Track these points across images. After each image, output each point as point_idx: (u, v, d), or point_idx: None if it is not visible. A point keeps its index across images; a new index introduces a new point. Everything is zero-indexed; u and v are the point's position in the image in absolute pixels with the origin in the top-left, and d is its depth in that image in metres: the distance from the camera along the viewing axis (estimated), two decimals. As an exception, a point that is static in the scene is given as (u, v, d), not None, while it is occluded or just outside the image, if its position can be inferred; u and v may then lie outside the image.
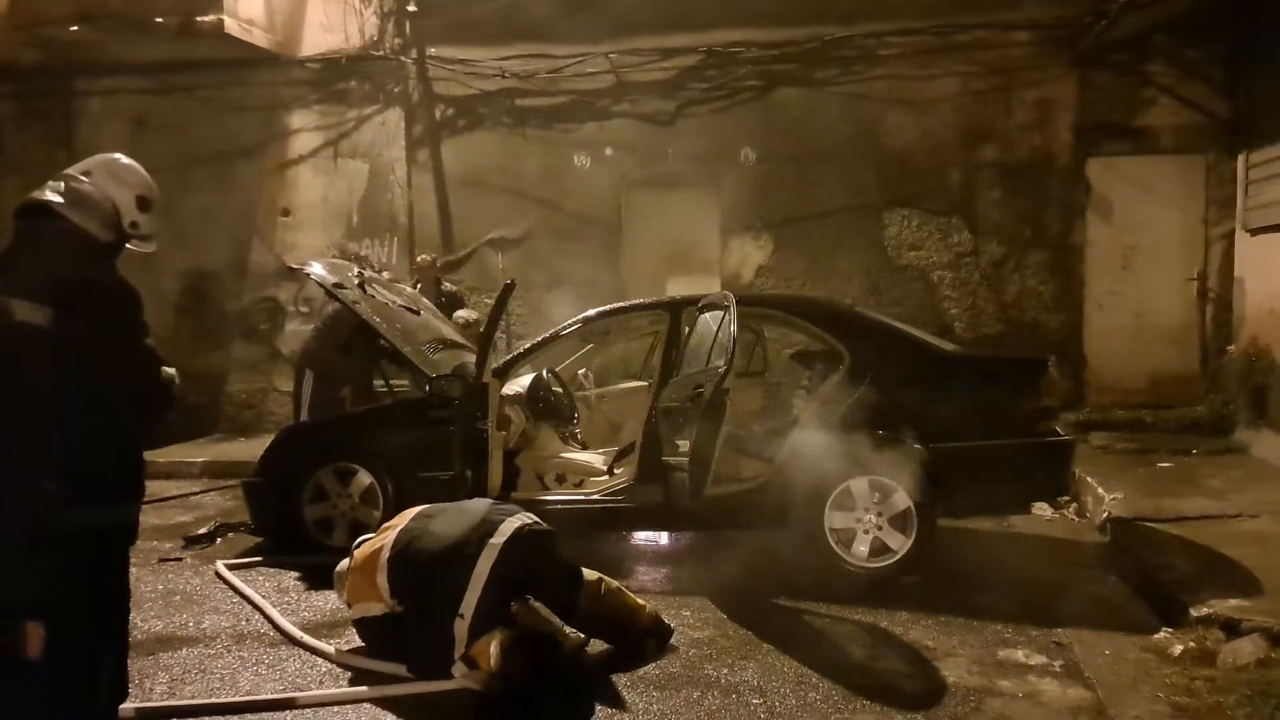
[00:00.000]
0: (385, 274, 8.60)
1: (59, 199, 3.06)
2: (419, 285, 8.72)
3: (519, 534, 4.17)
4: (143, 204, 3.22)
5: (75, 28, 9.68)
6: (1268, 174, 8.37)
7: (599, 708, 3.89)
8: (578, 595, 4.29)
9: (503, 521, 4.20)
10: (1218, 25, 8.96)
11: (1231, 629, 4.37)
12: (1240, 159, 9.02)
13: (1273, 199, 8.26)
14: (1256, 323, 8.65)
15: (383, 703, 4.00)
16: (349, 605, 4.49)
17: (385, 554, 4.25)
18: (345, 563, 4.59)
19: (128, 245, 3.22)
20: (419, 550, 4.18)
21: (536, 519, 4.35)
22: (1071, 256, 9.61)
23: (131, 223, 3.19)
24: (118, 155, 3.28)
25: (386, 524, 4.60)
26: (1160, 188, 9.42)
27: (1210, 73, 9.18)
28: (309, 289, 8.35)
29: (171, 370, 3.22)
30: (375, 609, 4.28)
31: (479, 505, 4.43)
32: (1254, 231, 8.79)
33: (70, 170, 3.16)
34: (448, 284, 9.34)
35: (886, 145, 9.71)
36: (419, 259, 9.38)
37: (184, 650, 4.65)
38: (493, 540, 4.10)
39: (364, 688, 4.12)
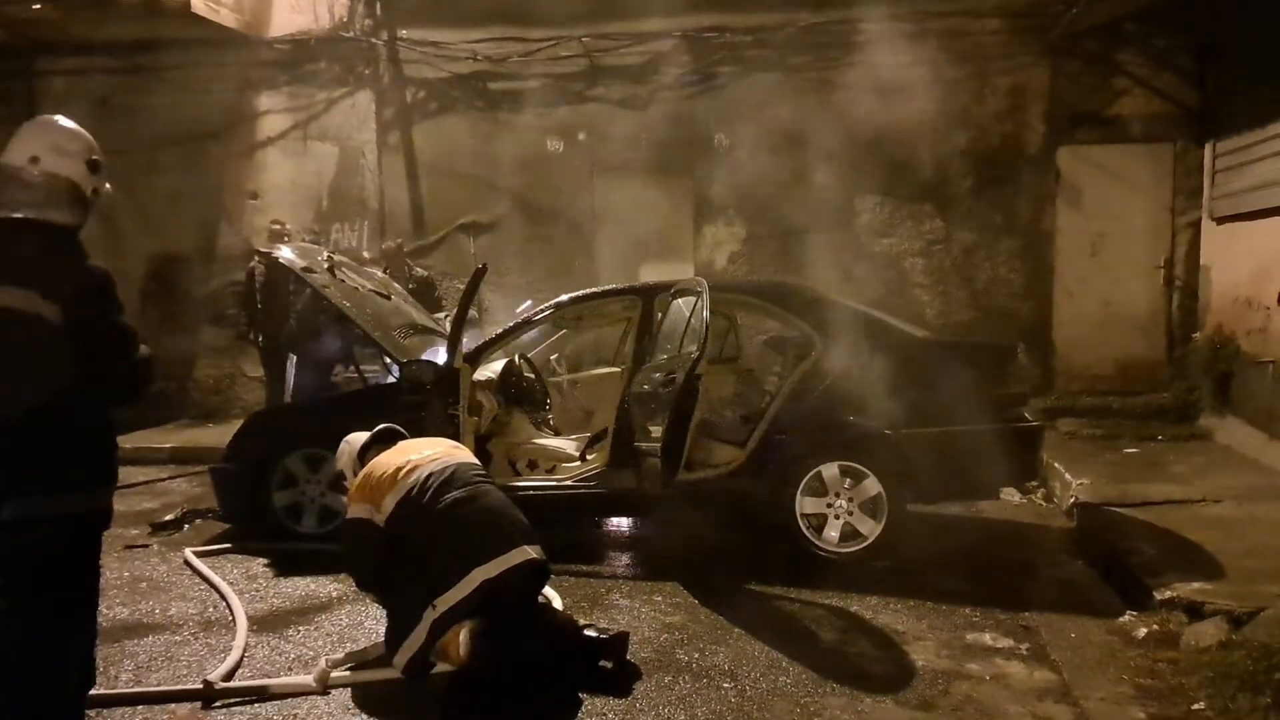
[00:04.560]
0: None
1: (27, 212, 2.96)
2: (387, 270, 8.66)
3: (527, 564, 4.02)
4: (94, 167, 3.11)
5: (38, 6, 9.46)
6: (1234, 163, 8.48)
7: (569, 694, 3.89)
8: (539, 643, 4.05)
9: (522, 546, 4.03)
10: (1187, 15, 9.05)
11: (1194, 612, 4.44)
12: (1207, 148, 9.12)
13: (1238, 188, 8.36)
14: (1221, 310, 8.77)
15: (353, 687, 3.99)
16: (346, 493, 4.36)
17: (408, 485, 4.07)
18: (363, 439, 4.53)
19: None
20: (435, 514, 4.01)
21: (544, 555, 4.15)
22: (1041, 244, 9.70)
23: (93, 190, 3.11)
24: (51, 122, 3.11)
25: (421, 439, 4.50)
26: (1129, 176, 9.52)
27: (1179, 62, 9.27)
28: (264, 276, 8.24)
29: (146, 348, 3.18)
30: (376, 517, 4.10)
31: (507, 514, 4.17)
32: (1220, 220, 8.90)
33: (12, 160, 3.00)
34: (419, 269, 9.28)
35: (859, 132, 9.70)
36: (385, 244, 9.32)
37: (150, 637, 4.60)
38: (505, 556, 3.96)
39: (342, 673, 4.09)
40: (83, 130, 3.13)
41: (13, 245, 2.95)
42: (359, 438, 4.58)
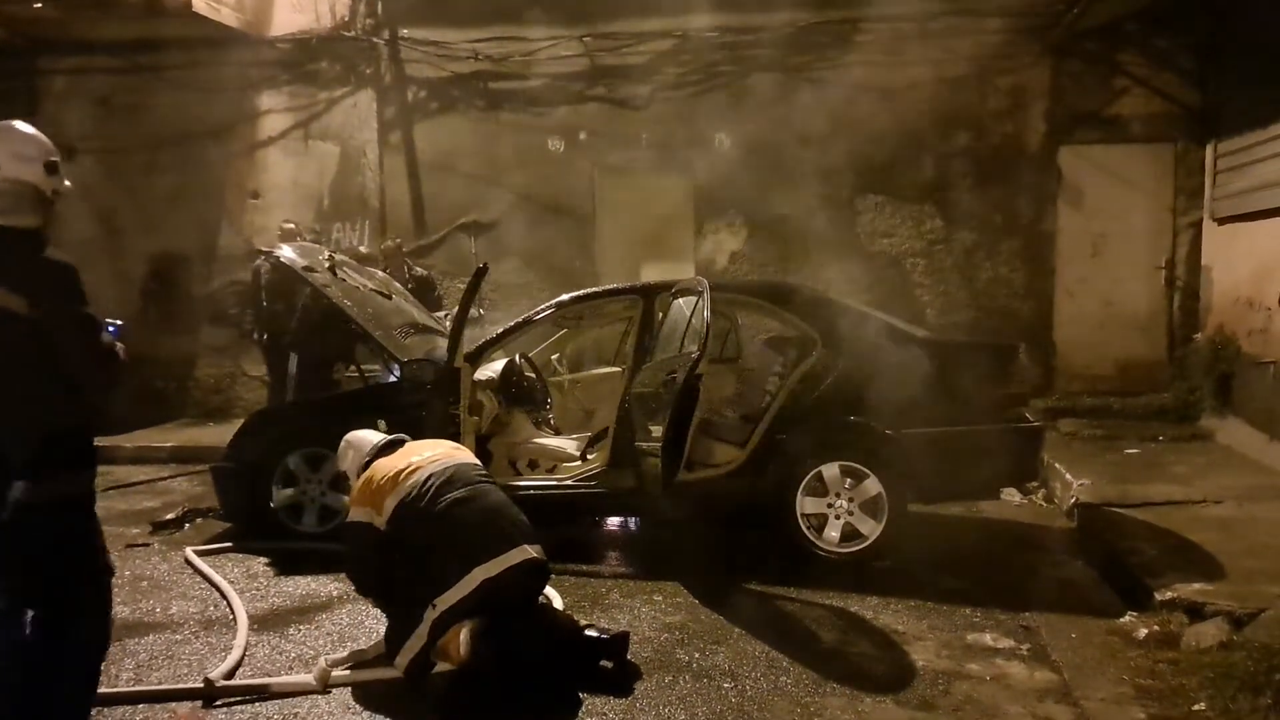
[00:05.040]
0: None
1: (9, 219, 3.06)
2: (386, 269, 8.65)
3: (528, 564, 4.02)
4: (51, 168, 3.21)
5: (39, 5, 9.44)
6: (1235, 163, 8.47)
7: (570, 693, 3.89)
8: (540, 642, 4.06)
9: (522, 545, 4.04)
10: (1188, 15, 9.05)
11: (1195, 613, 4.44)
12: (1209, 148, 9.11)
13: (1240, 188, 8.36)
14: (1222, 311, 8.76)
15: (354, 686, 4.00)
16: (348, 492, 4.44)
17: (409, 487, 4.07)
18: (367, 440, 4.50)
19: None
20: (436, 514, 4.01)
21: (544, 555, 4.15)
22: (1042, 244, 9.69)
23: (52, 190, 3.21)
24: (8, 128, 3.21)
25: (423, 441, 4.48)
26: (1130, 176, 9.51)
27: (1180, 62, 9.26)
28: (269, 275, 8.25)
29: (109, 337, 3.32)
30: (377, 520, 4.10)
31: (507, 514, 4.17)
32: (1221, 220, 8.89)
33: None
34: (418, 268, 9.28)
35: (860, 132, 9.72)
36: (384, 244, 9.31)
37: (151, 636, 4.60)
38: (505, 555, 3.96)
39: (343, 672, 4.09)
40: (39, 133, 3.23)
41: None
42: (362, 438, 4.57)
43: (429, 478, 4.12)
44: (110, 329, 3.58)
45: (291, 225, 9.07)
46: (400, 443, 4.49)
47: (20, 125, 3.23)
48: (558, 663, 4.02)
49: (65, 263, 3.16)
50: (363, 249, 9.78)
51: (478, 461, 4.49)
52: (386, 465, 4.23)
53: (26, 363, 3.04)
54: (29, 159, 3.16)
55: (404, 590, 4.06)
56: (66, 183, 3.30)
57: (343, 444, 4.65)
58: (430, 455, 4.27)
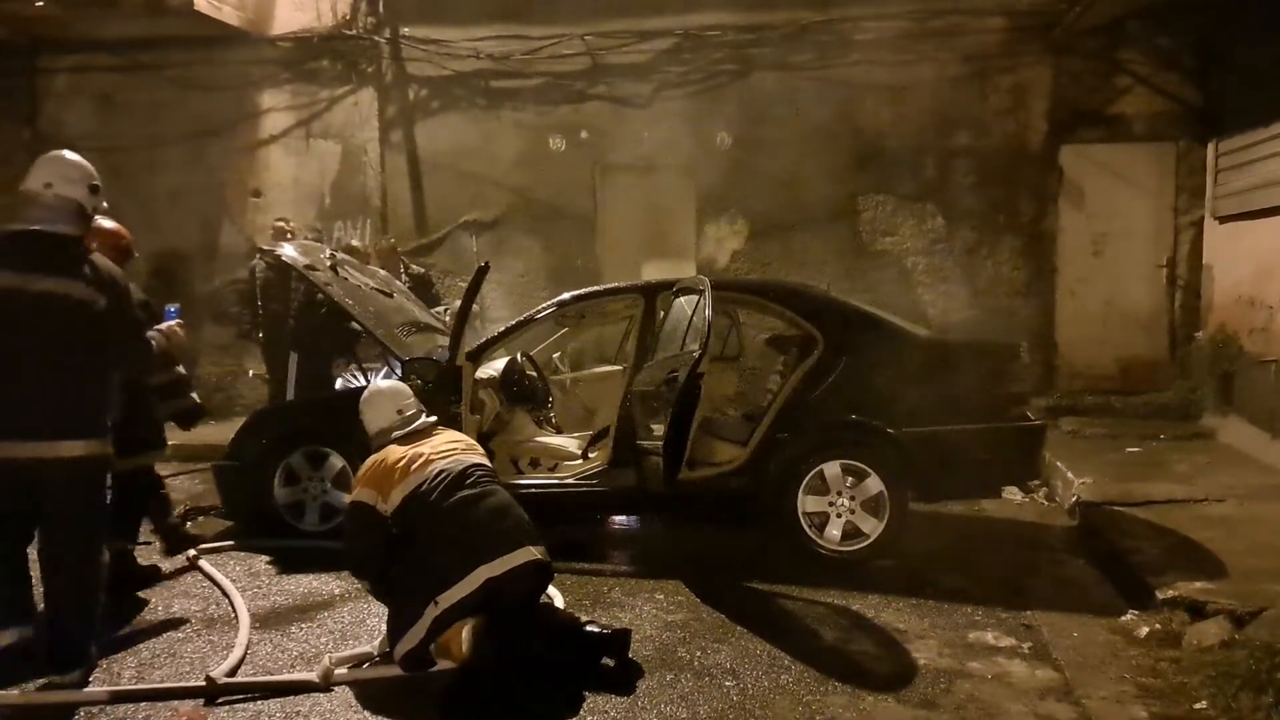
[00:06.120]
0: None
1: (45, 226, 3.81)
2: (383, 269, 8.64)
3: (531, 564, 4.03)
4: (94, 190, 3.96)
5: (40, 3, 9.44)
6: (1237, 162, 8.46)
7: (571, 691, 3.89)
8: (541, 640, 4.06)
9: (526, 546, 4.04)
10: (1189, 13, 9.03)
11: (1197, 611, 4.44)
12: (1210, 147, 9.10)
13: (1241, 187, 8.35)
14: (1224, 309, 8.76)
15: (356, 685, 4.00)
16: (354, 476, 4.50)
17: (419, 480, 4.07)
18: (402, 412, 4.48)
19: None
20: (443, 511, 4.01)
21: (548, 555, 4.16)
22: (1043, 243, 9.69)
23: (93, 208, 3.98)
24: (60, 156, 3.95)
25: (439, 431, 4.45)
26: (1131, 175, 9.50)
27: (1182, 60, 9.26)
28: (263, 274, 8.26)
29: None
30: (381, 505, 4.09)
31: (512, 514, 4.17)
32: (1223, 219, 8.89)
33: (31, 186, 3.86)
34: (415, 266, 9.27)
35: (861, 130, 9.72)
36: (380, 243, 9.30)
37: (153, 634, 4.60)
38: (509, 556, 3.97)
39: (344, 670, 4.09)
40: (85, 161, 3.99)
41: (47, 250, 3.80)
42: (393, 402, 4.51)
43: (440, 472, 4.12)
44: (169, 311, 4.76)
45: (283, 223, 9.06)
46: (428, 428, 4.45)
47: (69, 154, 3.96)
48: (559, 661, 4.02)
49: (119, 271, 4.01)
50: (354, 243, 9.77)
51: (488, 462, 4.46)
52: (399, 452, 4.21)
53: (100, 344, 3.87)
54: (75, 181, 3.90)
55: (405, 583, 4.05)
56: (105, 203, 4.08)
57: (373, 393, 4.59)
58: (445, 450, 4.26)
